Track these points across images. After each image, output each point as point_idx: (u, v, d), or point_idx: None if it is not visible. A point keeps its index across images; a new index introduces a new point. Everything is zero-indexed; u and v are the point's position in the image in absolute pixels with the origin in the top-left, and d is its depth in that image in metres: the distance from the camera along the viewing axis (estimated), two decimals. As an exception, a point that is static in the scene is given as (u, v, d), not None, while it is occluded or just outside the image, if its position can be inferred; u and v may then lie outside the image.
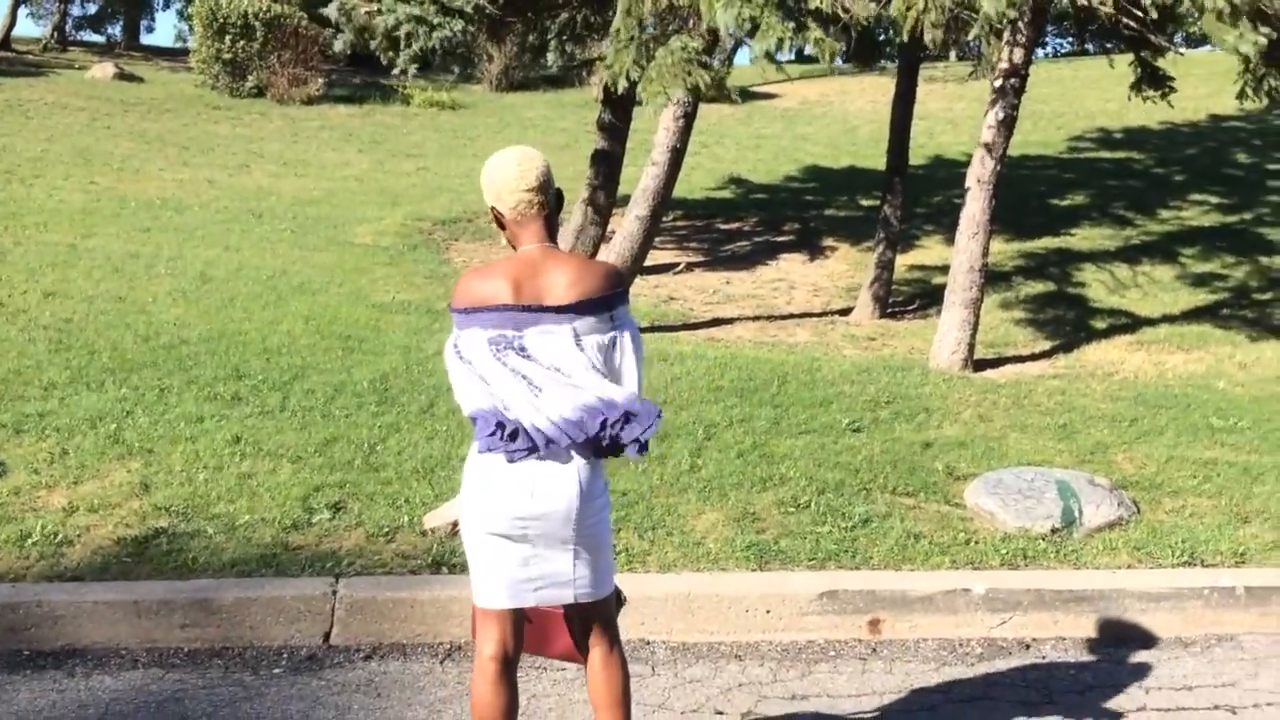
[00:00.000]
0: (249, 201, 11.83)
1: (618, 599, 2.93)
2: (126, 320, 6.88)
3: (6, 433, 4.96)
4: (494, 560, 2.67)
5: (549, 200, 2.72)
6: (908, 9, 6.22)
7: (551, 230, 2.73)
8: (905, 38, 6.56)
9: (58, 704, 3.38)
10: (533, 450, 2.60)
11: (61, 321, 6.74)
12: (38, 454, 4.79)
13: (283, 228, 10.63)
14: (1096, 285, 9.87)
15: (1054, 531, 4.65)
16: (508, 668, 2.71)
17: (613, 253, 9.44)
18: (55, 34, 25.58)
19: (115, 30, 30.74)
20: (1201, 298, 9.44)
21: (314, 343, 6.73)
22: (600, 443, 2.62)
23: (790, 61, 24.08)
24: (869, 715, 3.51)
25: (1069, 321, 8.91)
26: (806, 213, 13.16)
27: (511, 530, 2.64)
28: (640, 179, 9.50)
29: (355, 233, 10.82)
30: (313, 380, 5.92)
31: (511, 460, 2.61)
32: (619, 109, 9.85)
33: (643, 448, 2.64)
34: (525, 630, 2.78)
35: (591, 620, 2.79)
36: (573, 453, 2.63)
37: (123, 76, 20.58)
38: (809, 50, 6.85)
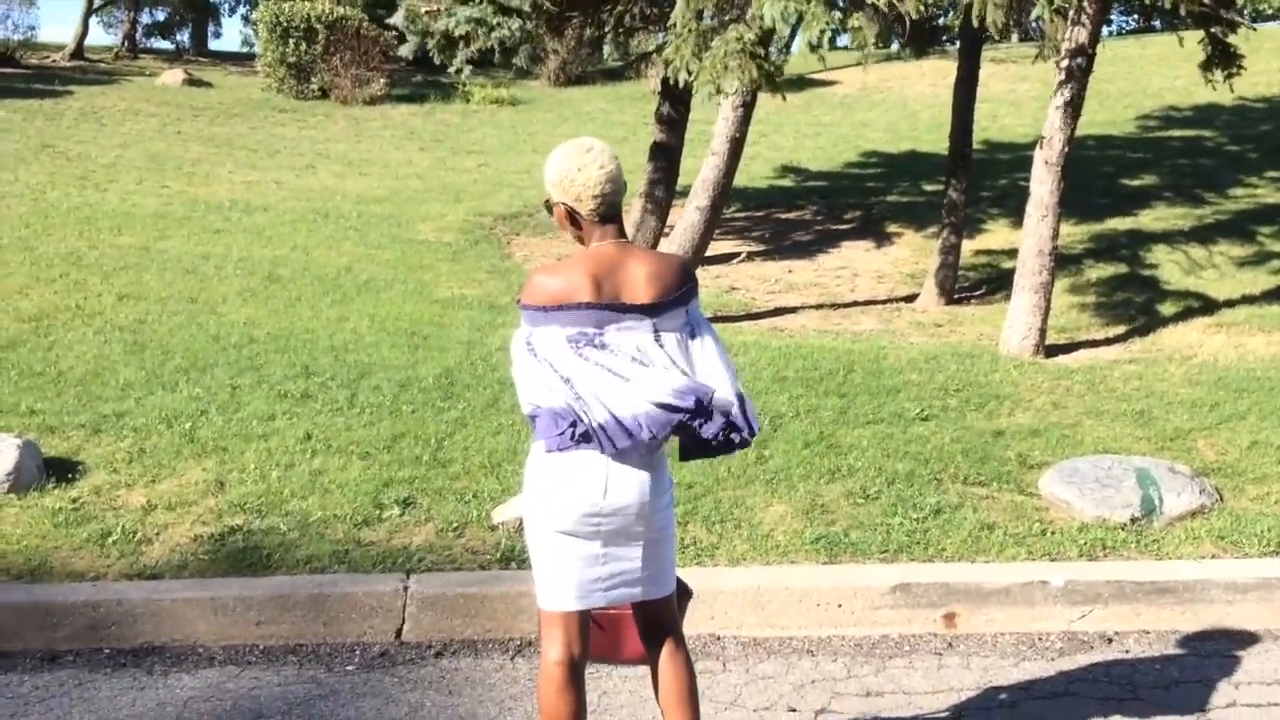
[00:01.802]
0: (315, 201, 11.98)
1: (686, 592, 2.90)
2: (198, 321, 7.01)
3: (86, 433, 5.07)
4: (563, 560, 2.63)
5: (622, 194, 2.69)
6: None
7: (622, 224, 2.71)
8: (975, 23, 6.41)
9: (137, 701, 3.44)
10: (612, 447, 2.56)
11: (136, 323, 6.88)
12: (116, 453, 4.89)
13: (348, 226, 10.75)
14: (1170, 266, 9.61)
15: (1133, 521, 4.53)
16: (575, 672, 2.65)
17: (674, 244, 9.40)
18: (126, 42, 26.15)
19: (184, 37, 31.36)
20: (1282, 277, 9.14)
21: (380, 339, 6.79)
22: (695, 435, 2.59)
23: (846, 48, 23.77)
24: (947, 713, 3.45)
25: (1142, 304, 8.69)
26: (868, 199, 13.00)
27: (583, 528, 2.61)
28: (700, 170, 9.45)
29: (418, 230, 10.91)
30: (379, 377, 5.97)
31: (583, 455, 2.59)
32: (677, 101, 9.80)
33: (743, 442, 2.62)
34: (595, 637, 2.73)
35: (656, 618, 2.75)
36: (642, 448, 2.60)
37: (192, 82, 20.99)
38: (847, 40, 6.80)
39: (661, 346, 2.59)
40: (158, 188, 12.22)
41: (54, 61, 22.74)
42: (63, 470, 4.69)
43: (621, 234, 2.67)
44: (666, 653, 2.73)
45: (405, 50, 8.76)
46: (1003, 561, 4.21)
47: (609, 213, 2.65)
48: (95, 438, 5.04)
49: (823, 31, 6.31)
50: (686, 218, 9.43)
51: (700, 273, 9.74)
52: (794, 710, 3.44)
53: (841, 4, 6.47)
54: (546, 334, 2.57)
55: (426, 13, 8.56)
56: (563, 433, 2.56)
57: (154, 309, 7.25)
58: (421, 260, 9.57)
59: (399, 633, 3.87)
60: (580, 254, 2.65)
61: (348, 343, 6.67)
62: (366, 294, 8.07)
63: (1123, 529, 4.47)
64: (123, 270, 8.26)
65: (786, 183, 14.17)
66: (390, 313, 7.53)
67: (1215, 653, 3.85)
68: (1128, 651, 3.87)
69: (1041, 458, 5.11)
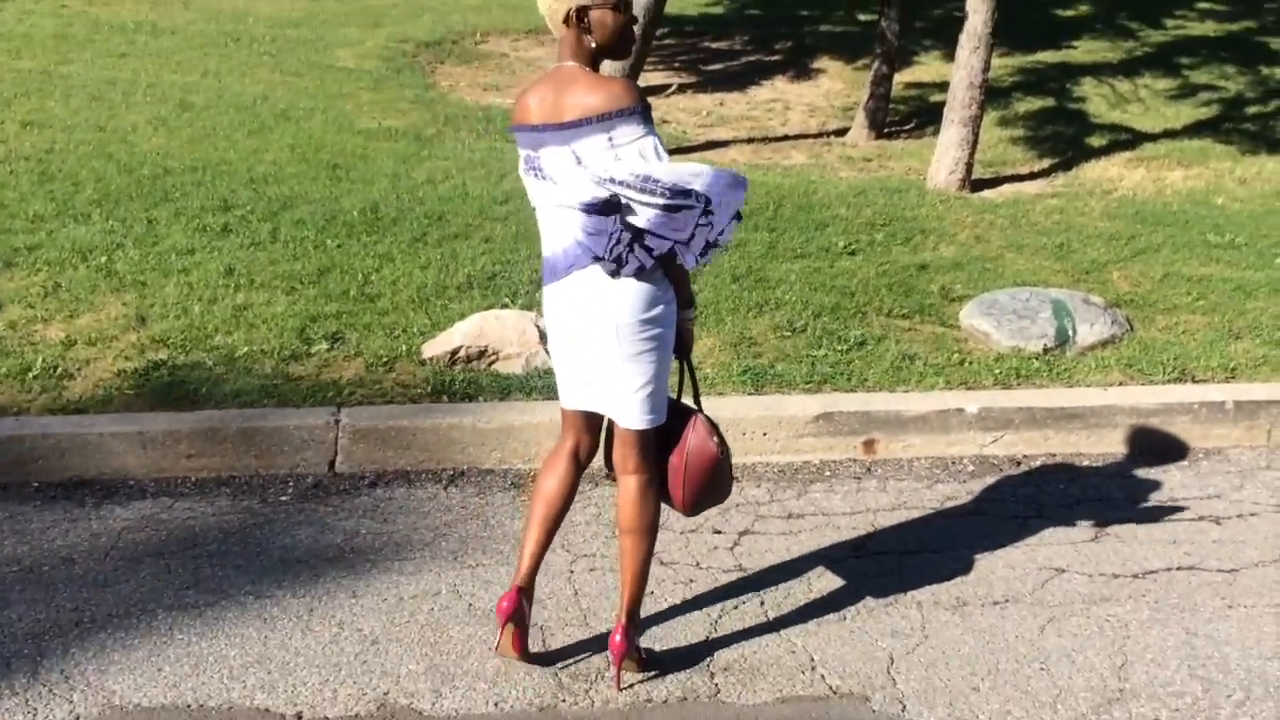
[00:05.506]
0: (225, 24, 11.41)
1: (716, 432, 2.84)
2: (108, 150, 6.73)
3: (-4, 268, 4.92)
4: (556, 363, 2.83)
5: (584, 17, 2.58)
6: None
7: (582, 48, 2.61)
8: None
9: (70, 532, 3.45)
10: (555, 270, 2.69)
11: (42, 152, 6.59)
12: (30, 288, 4.76)
13: (262, 51, 10.29)
14: (1097, 100, 9.66)
15: (1047, 351, 4.69)
16: (574, 461, 2.86)
17: (603, 74, 9.18)
18: None
19: None
20: (1203, 111, 9.26)
21: (301, 171, 6.61)
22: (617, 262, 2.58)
23: None
24: (863, 531, 3.61)
25: (1068, 138, 8.76)
26: (801, 30, 12.75)
27: (560, 336, 2.76)
28: (630, -5, 9.14)
29: (336, 56, 10.49)
30: (302, 210, 5.83)
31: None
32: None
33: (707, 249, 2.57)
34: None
35: (625, 448, 2.74)
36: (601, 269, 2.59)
37: (82, -110, 19.53)
38: None
39: (584, 167, 2.55)
40: (56, 7, 11.52)
41: None
42: (-25, 305, 4.56)
43: (577, 56, 2.62)
44: (633, 485, 2.76)
45: None
46: (922, 391, 4.35)
47: (555, 30, 2.68)
48: (7, 271, 4.89)
49: None
50: (616, 46, 9.19)
51: (630, 103, 9.54)
52: (719, 532, 3.58)
53: None
54: (521, 153, 2.73)
55: None
56: None
57: (60, 137, 6.94)
58: (341, 89, 9.24)
59: (332, 464, 3.91)
60: (544, 74, 2.73)
61: (267, 175, 6.48)
62: (285, 124, 7.80)
63: (1037, 359, 4.63)
64: (24, 96, 7.85)
65: (719, 10, 13.81)
66: (310, 144, 7.30)
67: (1116, 473, 4.06)
68: (1035, 473, 4.07)
69: (963, 290, 5.22)
